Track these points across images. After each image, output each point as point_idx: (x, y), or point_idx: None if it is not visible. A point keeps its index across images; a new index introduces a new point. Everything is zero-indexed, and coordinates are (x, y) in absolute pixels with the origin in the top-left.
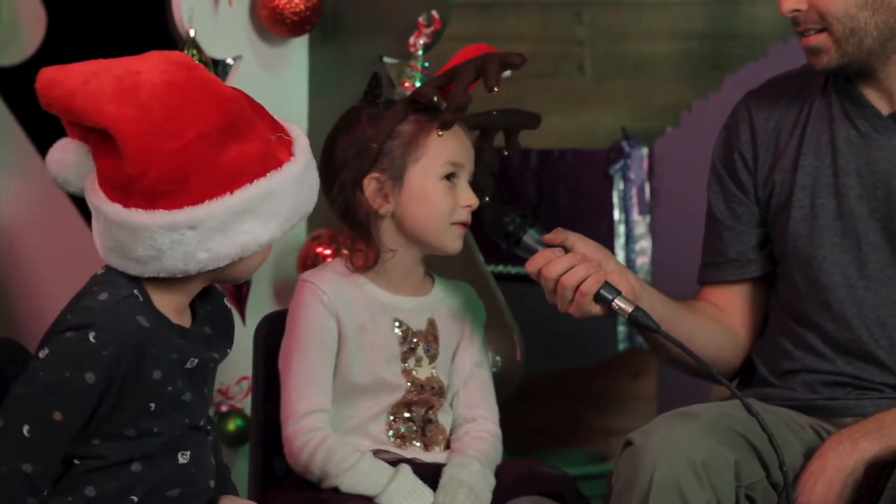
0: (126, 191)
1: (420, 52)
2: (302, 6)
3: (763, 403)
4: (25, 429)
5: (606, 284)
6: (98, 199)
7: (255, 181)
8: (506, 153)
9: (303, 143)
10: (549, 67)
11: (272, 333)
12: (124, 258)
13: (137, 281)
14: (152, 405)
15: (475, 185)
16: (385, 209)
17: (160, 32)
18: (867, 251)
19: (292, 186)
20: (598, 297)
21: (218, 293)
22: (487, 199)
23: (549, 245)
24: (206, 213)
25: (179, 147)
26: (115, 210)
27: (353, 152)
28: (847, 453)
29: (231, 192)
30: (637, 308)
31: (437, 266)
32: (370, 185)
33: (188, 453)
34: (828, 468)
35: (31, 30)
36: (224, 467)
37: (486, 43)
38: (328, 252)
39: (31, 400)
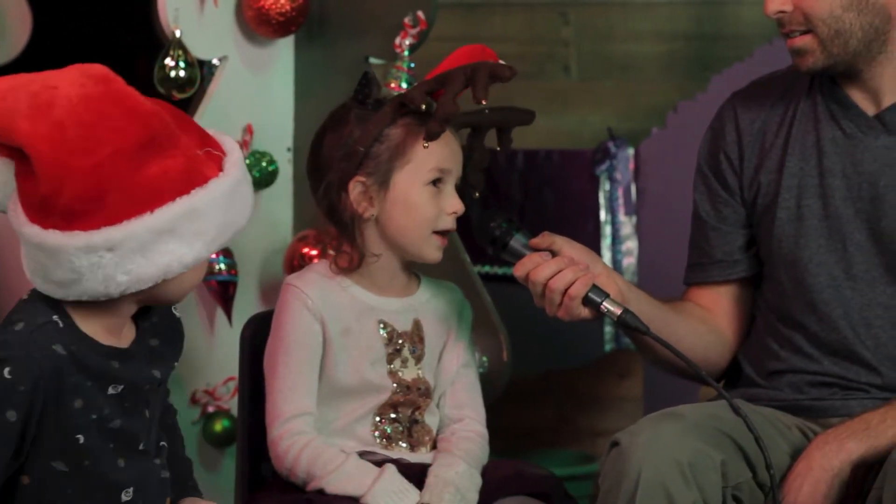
0: (43, 211)
1: (406, 53)
2: (288, 7)
3: (749, 404)
4: None
5: (595, 287)
6: (18, 221)
7: (178, 199)
8: (499, 150)
9: (235, 158)
10: (534, 68)
11: (258, 334)
12: (46, 281)
13: (59, 305)
14: (80, 437)
15: (465, 182)
16: (369, 213)
17: (145, 33)
18: (853, 252)
19: (220, 203)
20: (586, 301)
21: (163, 309)
22: (477, 195)
23: (536, 249)
24: (124, 233)
25: (94, 164)
26: (34, 231)
27: (339, 153)
28: (833, 453)
29: (151, 211)
30: (626, 310)
31: (423, 266)
32: (355, 188)
33: (131, 490)
34: (814, 468)
35: (17, 30)
36: (185, 464)
37: (474, 44)
38: (315, 253)
39: None
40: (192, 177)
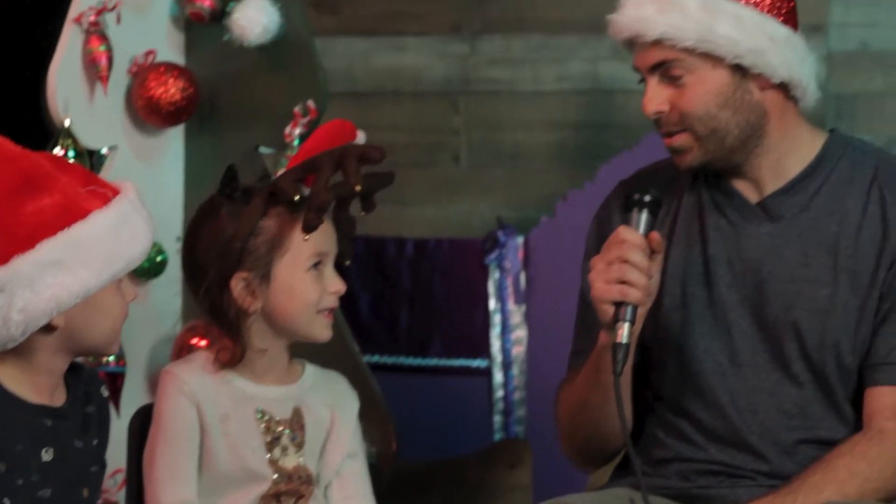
0: None
1: (296, 143)
2: (178, 96)
3: (638, 493)
4: None
5: (634, 308)
6: None
7: (59, 233)
8: (364, 214)
9: (127, 195)
10: (425, 157)
11: (146, 426)
12: None
13: None
14: (6, 500)
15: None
16: (254, 306)
17: (35, 122)
18: (737, 339)
19: (102, 233)
20: (621, 307)
21: (97, 380)
22: (348, 263)
23: (649, 240)
24: (9, 272)
25: None
26: None
27: (215, 252)
28: None
29: (33, 247)
30: (627, 346)
31: (311, 356)
32: (238, 284)
33: None
34: None
35: None
36: None
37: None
38: (203, 343)
39: None
40: (71, 211)
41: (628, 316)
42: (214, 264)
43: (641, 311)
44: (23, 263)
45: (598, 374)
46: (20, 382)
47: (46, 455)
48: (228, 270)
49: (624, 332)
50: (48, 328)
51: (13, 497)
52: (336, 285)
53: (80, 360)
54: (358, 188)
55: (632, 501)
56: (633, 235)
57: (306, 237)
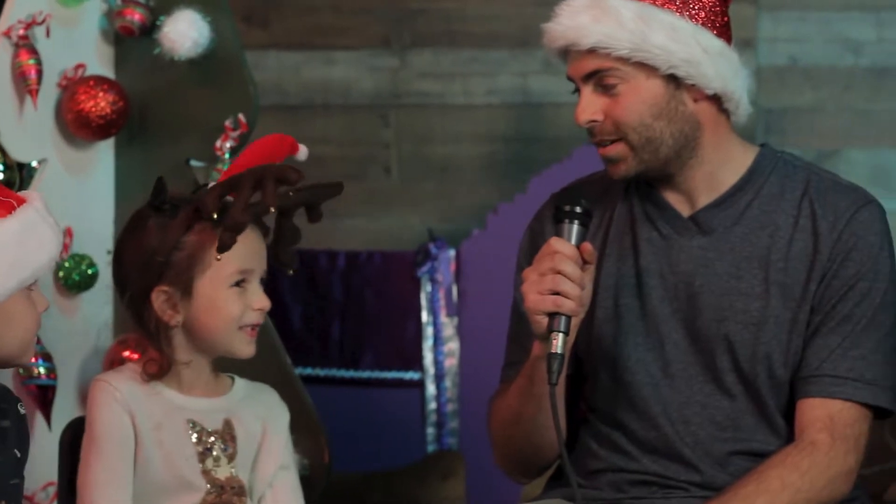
0: None
1: (227, 156)
2: (108, 109)
3: None
4: None
5: (568, 319)
6: None
7: None
8: (310, 222)
9: (32, 204)
10: (355, 169)
11: (78, 438)
12: None
13: None
14: None
15: (278, 261)
16: (175, 320)
17: None
18: (670, 350)
19: (7, 242)
20: (553, 317)
21: (11, 396)
22: (292, 272)
23: (580, 251)
24: None
25: None
26: None
27: (138, 264)
28: None
29: None
30: (562, 356)
31: (243, 368)
32: (158, 297)
33: None
34: None
35: None
36: None
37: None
38: (135, 356)
39: None
40: None
41: (562, 326)
42: (136, 276)
43: (575, 322)
44: None
45: (532, 385)
46: None
47: None
48: (149, 283)
49: (558, 343)
50: None
51: None
52: (260, 302)
53: None
54: (272, 210)
55: None
56: (564, 247)
57: (219, 257)
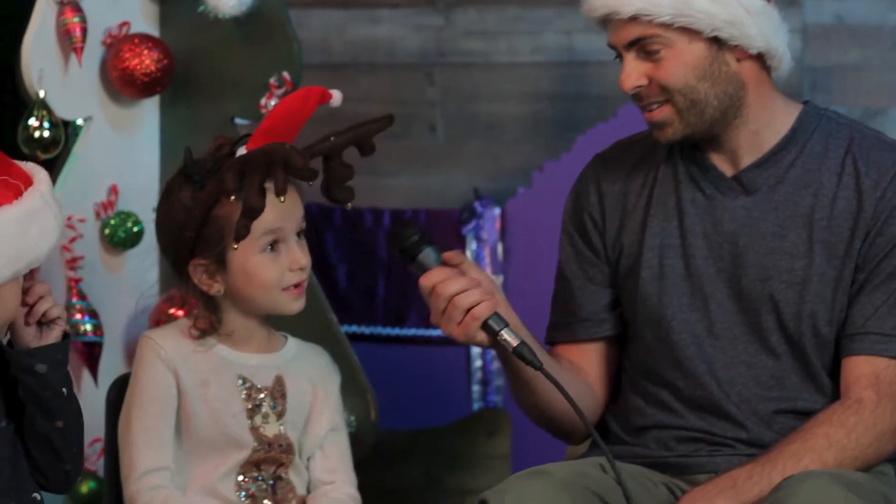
0: None
1: None
2: (152, 67)
3: (617, 461)
4: None
5: (497, 314)
6: None
7: None
8: (363, 156)
9: (39, 188)
10: (400, 128)
11: (124, 395)
12: None
13: None
14: None
15: (334, 199)
16: (215, 289)
17: (10, 93)
18: (714, 310)
19: (11, 230)
20: (486, 325)
21: None
22: (350, 206)
23: (446, 265)
24: None
25: None
26: None
27: (171, 238)
28: None
29: None
30: (523, 342)
31: (290, 327)
32: (196, 270)
33: None
34: None
35: None
36: None
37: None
38: (181, 313)
39: None
40: None
41: (499, 324)
42: (172, 250)
43: (501, 308)
44: None
45: (519, 375)
46: None
47: None
48: (184, 257)
49: (510, 337)
50: None
51: None
52: (297, 261)
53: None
54: (281, 199)
55: (606, 470)
56: (434, 276)
57: (235, 246)
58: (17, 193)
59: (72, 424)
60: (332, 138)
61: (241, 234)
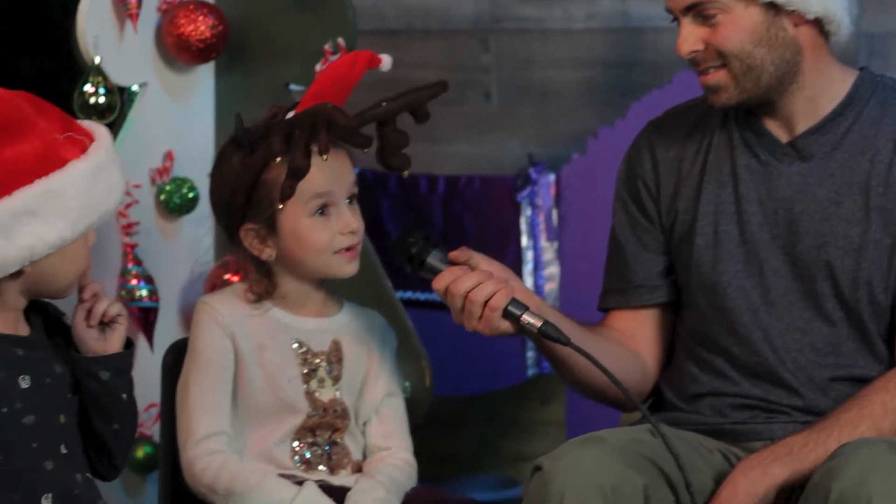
0: None
1: None
2: (207, 33)
3: (672, 427)
4: None
5: (514, 300)
6: None
7: (35, 181)
8: (418, 122)
9: (103, 144)
10: (454, 94)
11: (180, 360)
12: None
13: None
14: None
15: (390, 167)
16: (267, 254)
17: (66, 59)
18: (769, 277)
19: (80, 184)
20: (506, 313)
21: (56, 310)
22: (406, 174)
23: (454, 263)
24: None
25: None
26: None
27: (223, 204)
28: (758, 479)
29: (10, 194)
30: (546, 322)
31: (345, 292)
32: (247, 235)
33: (50, 496)
34: (739, 494)
35: None
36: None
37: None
38: (236, 279)
39: None
40: (49, 160)
41: (520, 309)
42: (224, 215)
43: (518, 292)
44: None
45: (556, 357)
46: None
47: (24, 382)
48: (235, 222)
49: (533, 318)
50: (15, 273)
51: None
52: (346, 224)
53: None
54: (324, 158)
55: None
56: (446, 277)
57: (280, 206)
58: (83, 149)
59: (127, 428)
60: (383, 104)
61: (286, 194)
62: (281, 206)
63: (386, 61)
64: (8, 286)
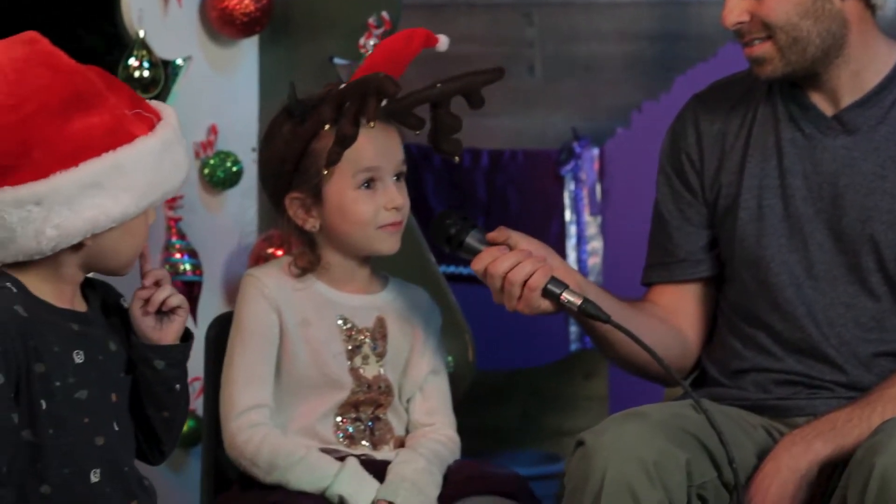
0: None
1: (370, 53)
2: (252, 7)
3: (714, 403)
4: None
5: (553, 279)
6: None
7: (103, 154)
8: (472, 109)
9: (170, 123)
10: None
11: (223, 334)
12: None
13: (7, 275)
14: (43, 402)
15: (441, 151)
16: (311, 224)
17: (110, 33)
18: (814, 251)
19: (147, 160)
20: (546, 292)
21: (113, 291)
22: (457, 159)
23: (493, 244)
24: (49, 187)
25: (18, 120)
26: None
27: (272, 171)
28: (801, 454)
29: (76, 166)
30: (586, 300)
31: (388, 267)
32: (292, 204)
33: (99, 471)
34: (782, 469)
35: None
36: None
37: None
38: (280, 253)
39: None
40: (118, 134)
41: (559, 288)
42: (271, 182)
43: (558, 269)
44: (63, 181)
45: (597, 333)
46: (43, 290)
47: (78, 357)
48: (282, 190)
49: (573, 296)
50: (77, 245)
51: (50, 399)
52: (391, 200)
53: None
54: (372, 125)
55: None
56: (484, 258)
57: (325, 171)
58: (151, 126)
59: (177, 416)
60: (438, 85)
61: (332, 159)
62: (326, 172)
63: (443, 41)
64: (67, 259)
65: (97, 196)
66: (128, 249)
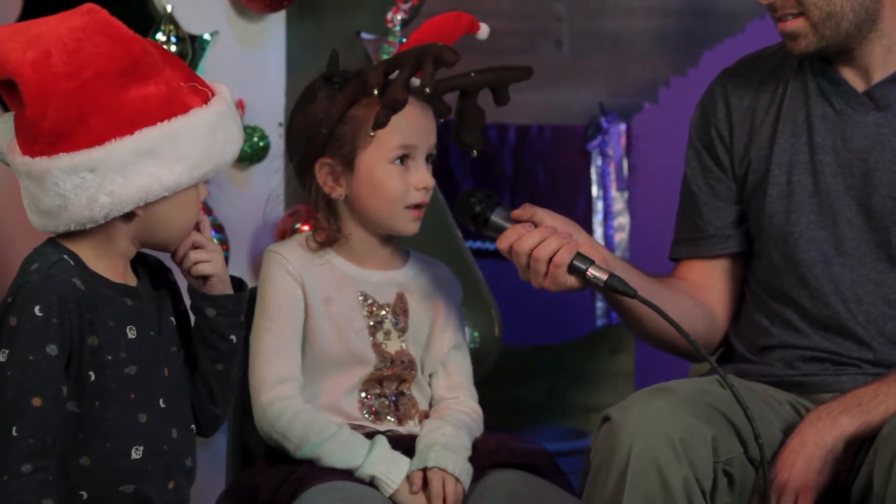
0: (31, 138)
1: (398, 28)
2: None
3: (741, 379)
4: (14, 430)
5: (579, 255)
6: (13, 156)
7: (158, 123)
8: (497, 105)
9: (224, 97)
10: (526, 43)
11: (249, 309)
12: (39, 214)
13: (65, 248)
14: (91, 374)
15: (462, 143)
16: (337, 193)
17: (137, 8)
18: (843, 228)
19: (201, 131)
20: (571, 268)
21: (162, 266)
22: (475, 153)
23: (518, 221)
24: (104, 154)
25: (76, 87)
26: (24, 161)
27: (305, 134)
28: (827, 430)
29: (132, 133)
30: (612, 275)
31: (414, 243)
32: (321, 169)
33: (141, 449)
34: (808, 445)
35: (6, 4)
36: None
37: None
38: (306, 228)
39: (9, 401)
40: (173, 104)
41: (585, 264)
42: (302, 147)
43: (583, 245)
44: (119, 148)
45: (624, 309)
46: (98, 264)
47: (131, 333)
48: (314, 154)
49: (599, 272)
50: (128, 216)
51: (100, 372)
52: (422, 180)
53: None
54: (427, 90)
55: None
56: (509, 236)
57: (372, 133)
58: (205, 100)
59: (230, 371)
60: (472, 73)
61: (381, 122)
62: (373, 134)
63: (484, 30)
64: (120, 230)
65: (151, 164)
66: (179, 223)
